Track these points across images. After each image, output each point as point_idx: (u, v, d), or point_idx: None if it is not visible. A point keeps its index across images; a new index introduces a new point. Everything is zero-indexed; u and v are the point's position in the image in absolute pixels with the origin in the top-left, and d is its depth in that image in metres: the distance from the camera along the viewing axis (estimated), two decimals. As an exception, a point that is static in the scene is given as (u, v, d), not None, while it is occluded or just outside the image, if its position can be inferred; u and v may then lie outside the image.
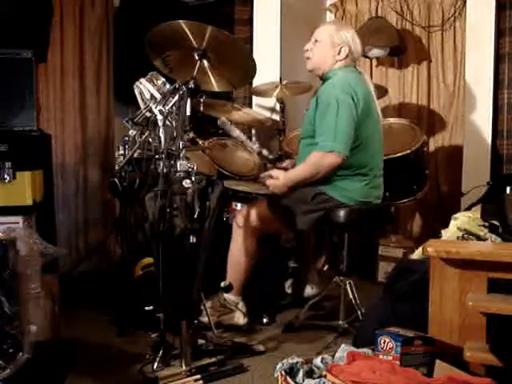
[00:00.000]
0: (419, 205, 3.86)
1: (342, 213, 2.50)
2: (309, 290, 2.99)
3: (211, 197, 2.17)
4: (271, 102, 3.93)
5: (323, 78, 2.66)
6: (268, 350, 2.40)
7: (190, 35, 2.44)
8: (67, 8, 3.55)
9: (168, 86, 2.21)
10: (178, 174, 2.06)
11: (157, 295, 2.11)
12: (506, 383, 1.61)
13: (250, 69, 2.61)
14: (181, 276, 2.12)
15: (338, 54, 2.60)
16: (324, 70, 2.64)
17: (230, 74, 2.67)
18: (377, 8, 4.14)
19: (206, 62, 2.55)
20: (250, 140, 3.68)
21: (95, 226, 3.76)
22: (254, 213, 2.61)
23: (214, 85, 2.73)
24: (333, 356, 1.80)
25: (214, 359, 2.18)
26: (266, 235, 2.70)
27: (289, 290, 3.09)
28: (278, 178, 2.60)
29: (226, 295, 2.61)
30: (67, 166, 3.61)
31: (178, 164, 2.06)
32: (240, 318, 2.62)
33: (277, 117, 3.91)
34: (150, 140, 2.18)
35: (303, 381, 1.68)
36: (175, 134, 2.10)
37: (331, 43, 2.60)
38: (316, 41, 2.64)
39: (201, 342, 2.26)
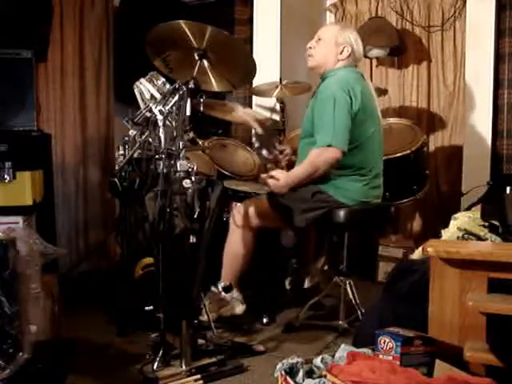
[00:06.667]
0: (419, 205, 3.86)
1: (341, 213, 2.50)
2: (308, 283, 3.00)
3: (211, 197, 2.17)
4: (271, 101, 3.93)
5: (323, 77, 2.66)
6: (268, 350, 2.40)
7: (190, 35, 2.44)
8: (67, 8, 3.54)
9: (168, 86, 2.21)
10: (177, 174, 2.06)
11: (157, 295, 2.11)
12: (506, 383, 1.61)
13: (250, 69, 2.61)
14: (181, 276, 2.12)
15: (341, 53, 2.61)
16: (325, 69, 2.64)
17: (230, 74, 2.67)
18: (377, 8, 4.14)
19: (206, 62, 2.55)
20: (250, 140, 3.69)
21: (95, 226, 3.75)
22: (252, 208, 2.61)
23: (214, 85, 2.73)
24: (333, 356, 1.80)
25: (214, 359, 2.18)
26: (265, 231, 2.70)
27: (288, 287, 3.09)
28: (279, 179, 2.56)
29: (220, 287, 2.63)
30: (67, 165, 3.61)
31: (178, 164, 2.06)
32: (239, 307, 2.64)
33: (277, 117, 3.90)
34: (150, 140, 2.18)
35: (303, 381, 1.68)
36: (175, 134, 2.10)
37: (334, 42, 2.60)
38: (319, 39, 2.65)
39: (201, 341, 2.26)
